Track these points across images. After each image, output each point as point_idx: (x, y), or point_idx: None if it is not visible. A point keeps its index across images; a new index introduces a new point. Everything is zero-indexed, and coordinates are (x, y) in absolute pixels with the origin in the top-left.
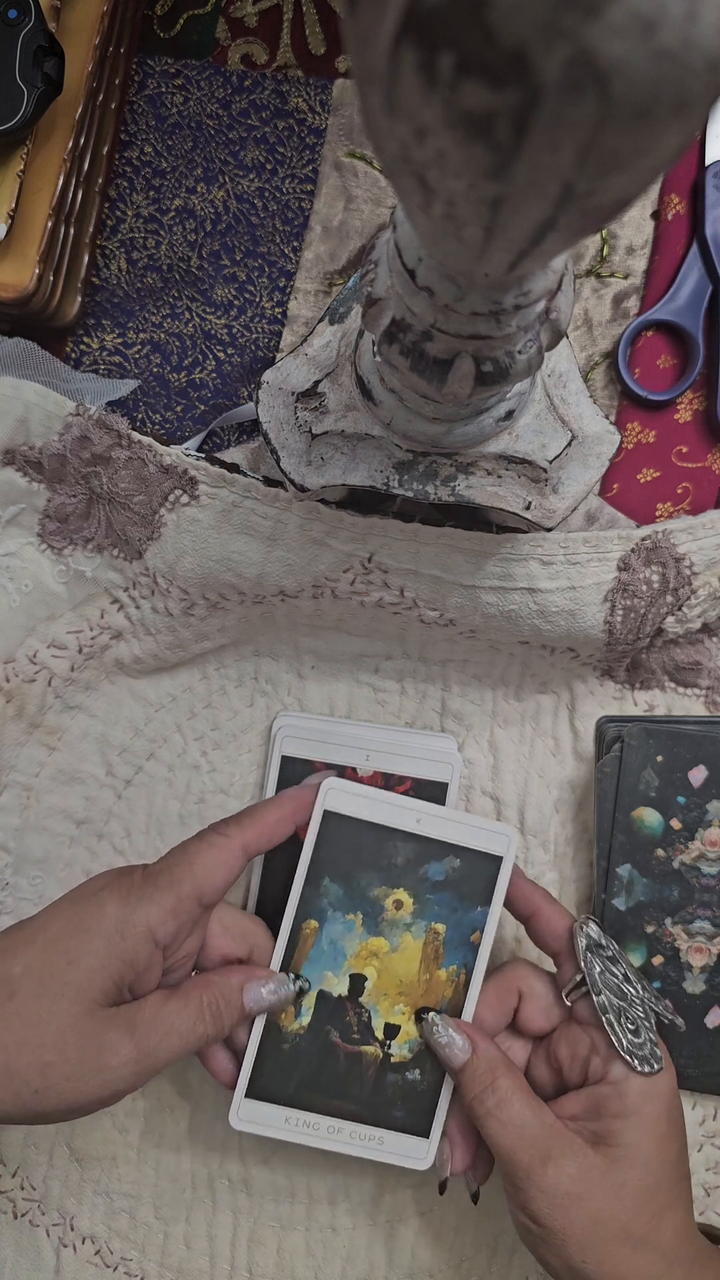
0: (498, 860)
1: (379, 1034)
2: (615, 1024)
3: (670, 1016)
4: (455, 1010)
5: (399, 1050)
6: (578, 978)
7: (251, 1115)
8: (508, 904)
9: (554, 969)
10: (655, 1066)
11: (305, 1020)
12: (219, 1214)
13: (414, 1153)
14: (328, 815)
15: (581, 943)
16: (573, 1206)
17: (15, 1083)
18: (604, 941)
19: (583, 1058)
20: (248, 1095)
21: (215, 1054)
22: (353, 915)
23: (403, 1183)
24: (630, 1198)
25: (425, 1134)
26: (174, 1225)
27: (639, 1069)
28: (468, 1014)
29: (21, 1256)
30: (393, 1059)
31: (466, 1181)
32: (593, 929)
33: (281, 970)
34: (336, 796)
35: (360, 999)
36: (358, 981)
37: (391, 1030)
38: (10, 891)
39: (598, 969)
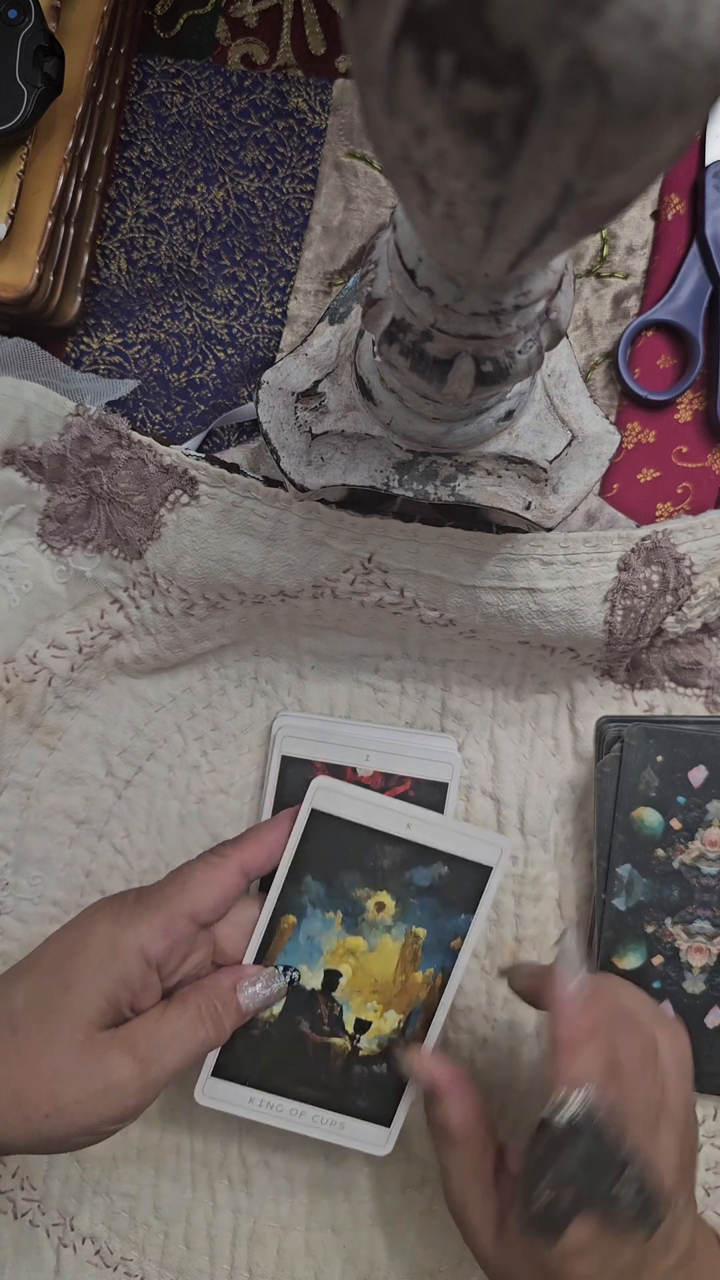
0: (487, 870)
1: (349, 1028)
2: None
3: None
4: (429, 1011)
5: (368, 1045)
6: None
7: (216, 1093)
8: None
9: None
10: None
11: (276, 1010)
12: (219, 1214)
13: (374, 1139)
14: (315, 814)
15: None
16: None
17: (27, 1109)
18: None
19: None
20: (214, 1074)
21: None
22: (332, 914)
23: (403, 1183)
24: None
25: (386, 1123)
26: (174, 1225)
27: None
28: (439, 1017)
29: (21, 1256)
30: (360, 1052)
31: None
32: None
33: (255, 962)
34: (326, 796)
35: (333, 994)
36: (332, 977)
37: (362, 1025)
38: (10, 891)
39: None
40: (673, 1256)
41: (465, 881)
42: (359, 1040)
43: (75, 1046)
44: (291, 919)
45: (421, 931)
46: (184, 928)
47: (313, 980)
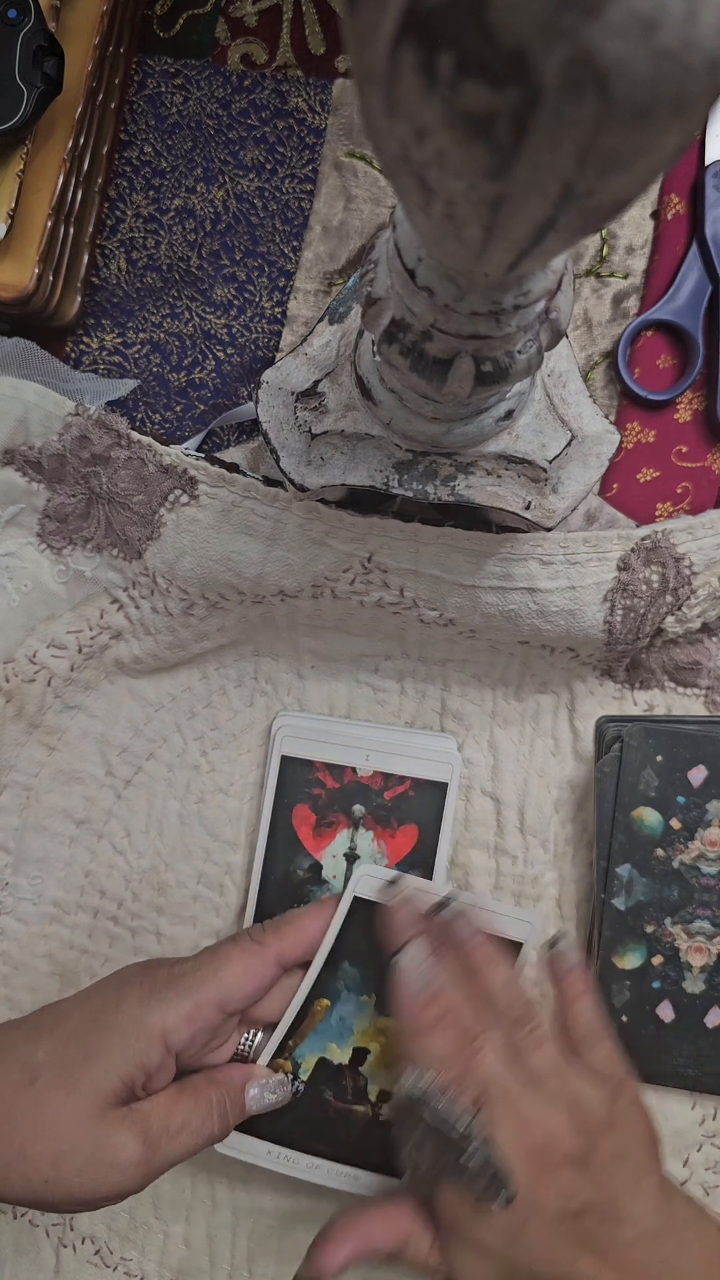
0: (518, 946)
1: (372, 1097)
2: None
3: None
4: None
5: (389, 1112)
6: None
7: (236, 1144)
8: None
9: None
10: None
11: (304, 1077)
12: (219, 1214)
13: (385, 1189)
14: (357, 901)
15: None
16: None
17: (28, 1169)
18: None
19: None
20: (236, 1128)
21: None
22: (367, 997)
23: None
24: None
25: (400, 1175)
26: (174, 1225)
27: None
28: None
29: (21, 1256)
30: (381, 1117)
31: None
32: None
33: (284, 1040)
34: (369, 883)
35: (360, 1068)
36: (360, 1054)
37: (385, 1096)
38: (10, 891)
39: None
40: (628, 1229)
41: None
42: (380, 1109)
43: (87, 1118)
44: (325, 1002)
45: None
46: (211, 1016)
47: (341, 1056)
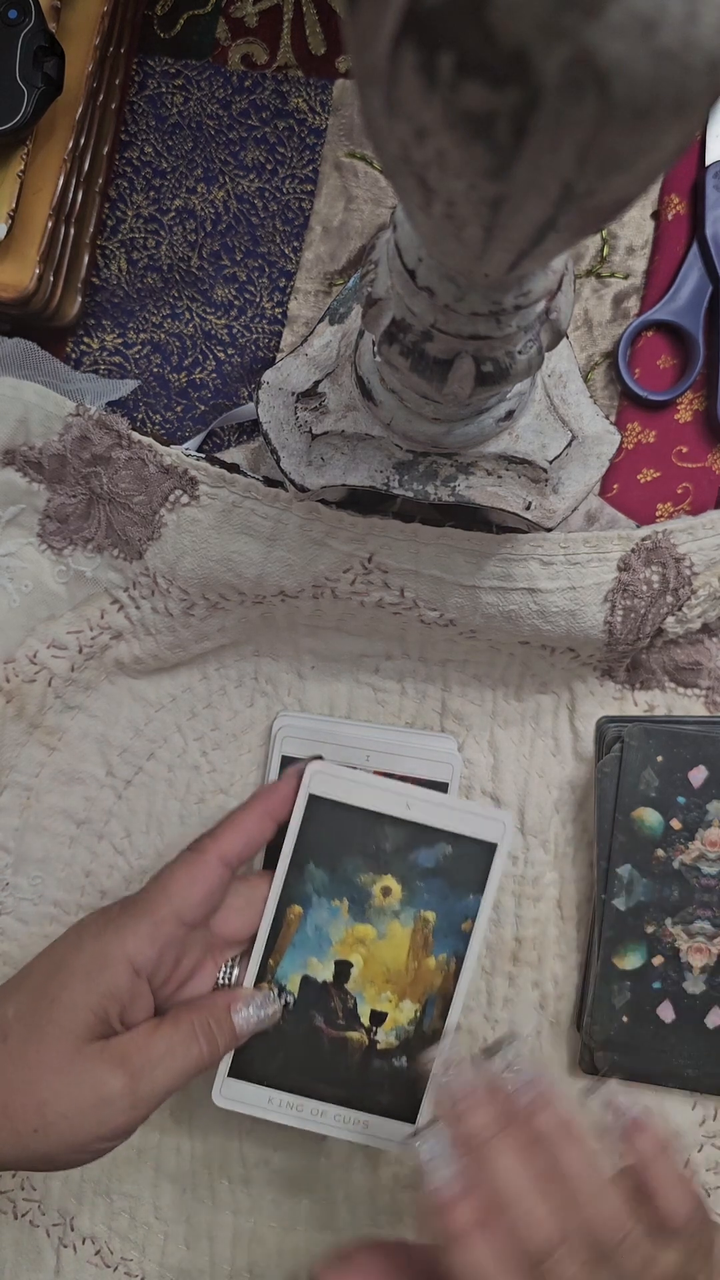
0: (492, 847)
1: (364, 1020)
2: None
3: None
4: (445, 999)
5: (385, 1037)
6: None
7: (235, 1094)
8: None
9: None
10: None
11: (290, 1001)
12: (219, 1214)
13: (397, 1136)
14: (313, 799)
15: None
16: None
17: (15, 1122)
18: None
19: None
20: (231, 1074)
21: None
22: (339, 901)
23: (401, 1183)
24: None
25: (411, 1119)
26: (174, 1225)
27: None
28: (457, 1004)
29: (21, 1256)
30: (379, 1045)
31: None
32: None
33: (263, 960)
34: (323, 780)
35: (345, 985)
36: (343, 968)
37: (378, 1017)
38: (10, 891)
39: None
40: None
41: (471, 860)
42: (375, 1033)
43: (63, 1059)
44: (298, 909)
45: (431, 915)
46: (171, 932)
47: (324, 972)
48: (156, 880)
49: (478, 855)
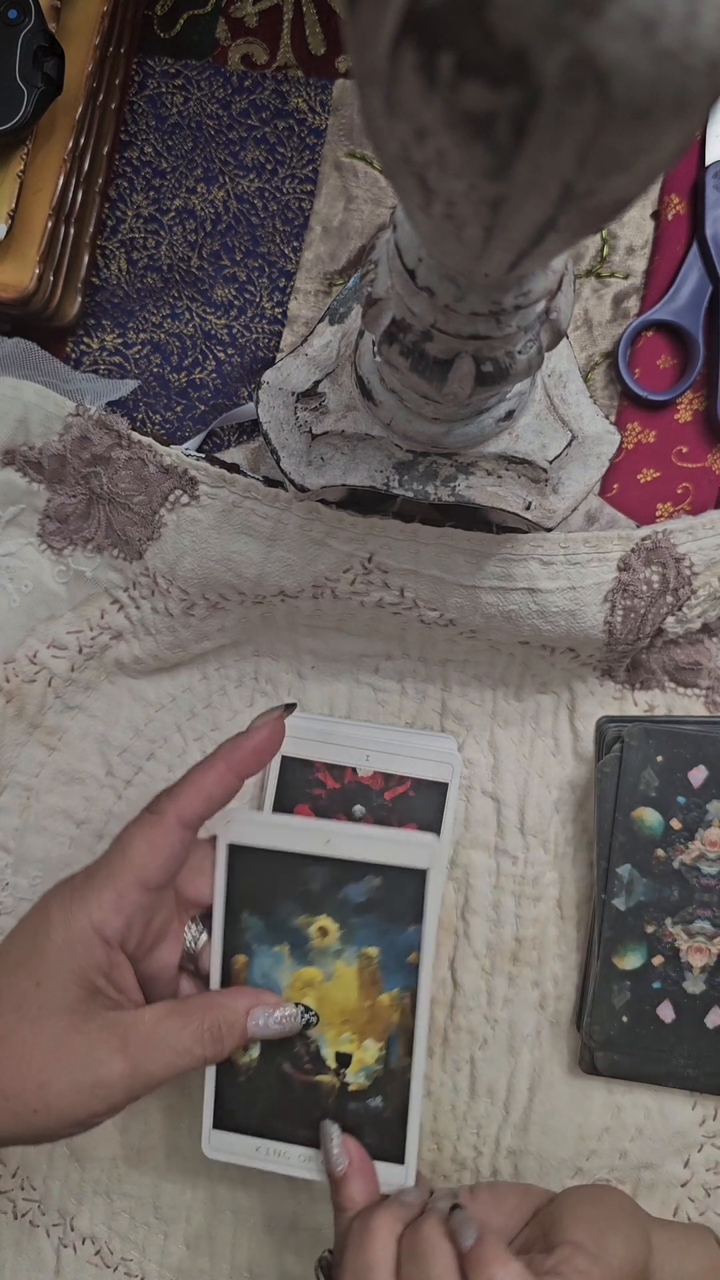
0: (422, 874)
1: (330, 1063)
2: None
3: None
4: (406, 1035)
5: (355, 1079)
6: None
7: (222, 1145)
8: None
9: None
10: None
11: (254, 1053)
12: (219, 1214)
13: (391, 1179)
14: (233, 849)
15: None
16: None
17: (15, 1104)
18: None
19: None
20: (215, 1126)
21: None
22: (279, 946)
23: None
24: None
25: (400, 1160)
26: (174, 1225)
27: None
28: (419, 1038)
29: (21, 1256)
30: (350, 1087)
31: None
32: None
33: None
34: (240, 829)
35: (305, 1031)
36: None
37: (343, 1059)
38: (10, 891)
39: None
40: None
41: (403, 890)
42: (344, 1075)
43: (60, 1038)
44: (241, 958)
45: (373, 951)
46: (136, 897)
47: None
48: (117, 844)
49: (409, 884)
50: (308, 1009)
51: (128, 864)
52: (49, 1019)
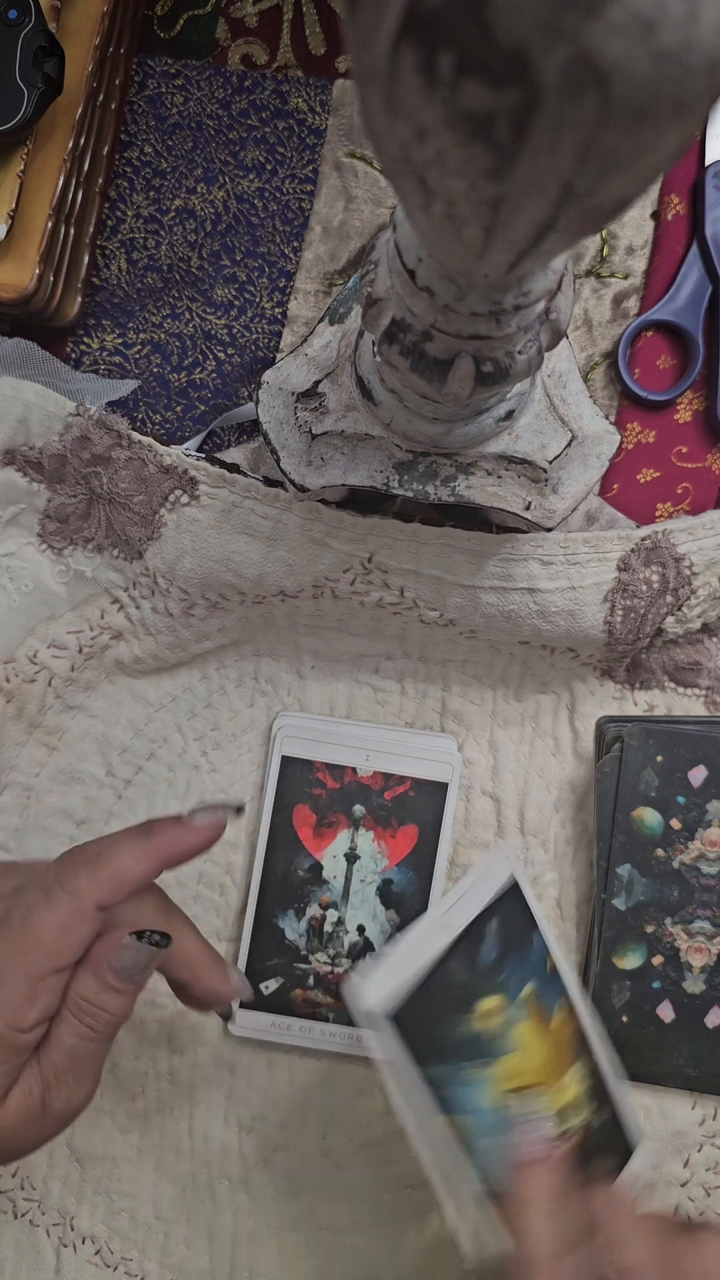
0: (516, 886)
1: (561, 1126)
2: None
3: None
4: (580, 1037)
5: (581, 1117)
6: None
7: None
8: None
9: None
10: None
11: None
12: (219, 1214)
13: (637, 1175)
14: (395, 1018)
15: None
16: None
17: None
18: None
19: None
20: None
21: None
22: (468, 1072)
23: (404, 1183)
24: None
25: (628, 1154)
26: (174, 1225)
27: None
28: (591, 1034)
29: (21, 1256)
30: (592, 1127)
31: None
32: None
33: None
34: (372, 988)
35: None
36: (514, 1091)
37: (565, 1113)
38: None
39: None
40: None
41: (514, 915)
42: (573, 1119)
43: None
44: (456, 1119)
45: (529, 988)
46: (51, 984)
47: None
48: (24, 926)
49: (514, 903)
50: (155, 932)
51: (42, 953)
52: None
